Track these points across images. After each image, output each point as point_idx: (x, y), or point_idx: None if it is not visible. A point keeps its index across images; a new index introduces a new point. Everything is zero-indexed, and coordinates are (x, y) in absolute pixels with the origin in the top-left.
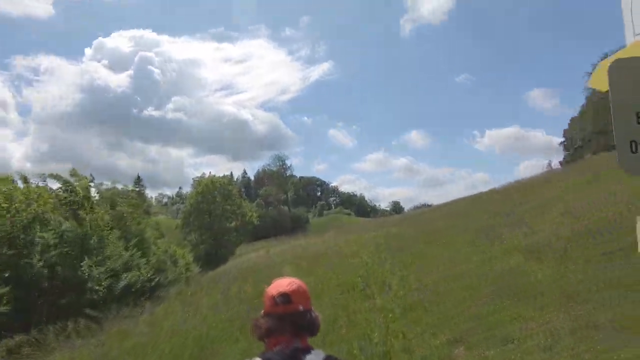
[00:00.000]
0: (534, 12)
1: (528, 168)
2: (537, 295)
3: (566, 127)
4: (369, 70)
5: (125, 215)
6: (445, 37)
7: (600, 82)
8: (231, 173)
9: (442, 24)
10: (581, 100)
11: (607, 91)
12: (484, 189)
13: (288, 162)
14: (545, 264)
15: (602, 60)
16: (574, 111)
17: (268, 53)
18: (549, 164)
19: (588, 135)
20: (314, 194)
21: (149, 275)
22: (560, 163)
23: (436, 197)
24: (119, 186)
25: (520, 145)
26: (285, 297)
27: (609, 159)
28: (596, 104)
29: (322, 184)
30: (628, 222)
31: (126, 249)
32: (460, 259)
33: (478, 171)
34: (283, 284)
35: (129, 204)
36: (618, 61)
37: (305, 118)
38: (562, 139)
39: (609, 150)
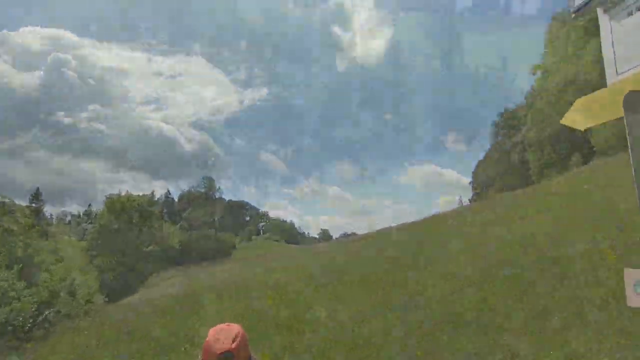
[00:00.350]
0: (452, 64)
1: (450, 203)
2: (466, 324)
3: (474, 168)
4: (304, 100)
5: (7, 233)
6: (377, 76)
7: (573, 120)
8: (152, 192)
9: (375, 65)
10: (487, 146)
11: (583, 129)
12: (407, 219)
13: (217, 184)
14: (468, 294)
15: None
16: (481, 155)
17: (203, 71)
18: (460, 200)
19: (491, 178)
20: (242, 219)
21: (34, 309)
22: (470, 200)
23: (363, 226)
24: (6, 200)
25: (438, 182)
26: (229, 356)
27: (511, 198)
28: (497, 149)
29: (251, 209)
30: (540, 257)
31: (4, 278)
32: (391, 288)
33: (401, 203)
34: (226, 339)
35: (15, 222)
36: (634, 95)
37: (238, 140)
38: (471, 180)
39: (507, 190)
